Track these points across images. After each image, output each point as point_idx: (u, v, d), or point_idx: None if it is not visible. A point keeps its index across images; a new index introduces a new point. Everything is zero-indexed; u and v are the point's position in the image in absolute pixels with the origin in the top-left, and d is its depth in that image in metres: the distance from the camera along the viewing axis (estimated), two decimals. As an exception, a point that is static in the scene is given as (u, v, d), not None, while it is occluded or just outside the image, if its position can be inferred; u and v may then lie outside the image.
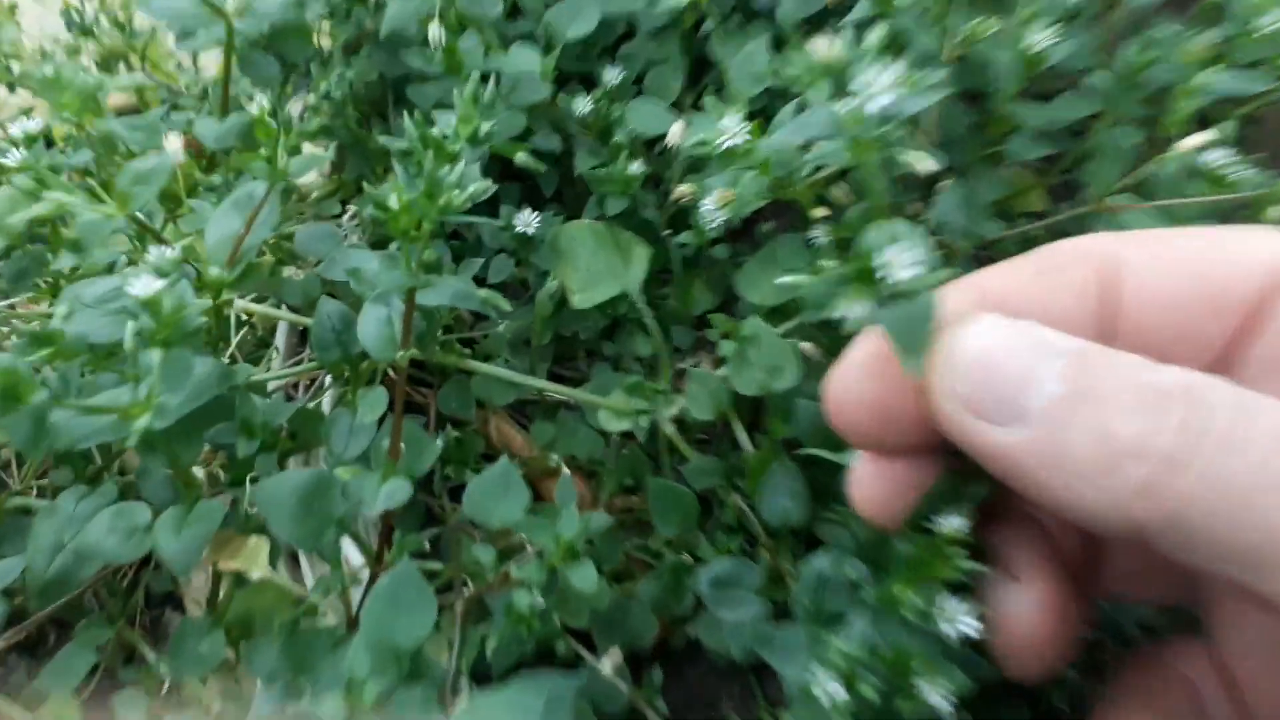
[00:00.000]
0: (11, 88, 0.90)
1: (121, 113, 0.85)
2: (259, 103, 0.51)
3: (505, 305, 0.50)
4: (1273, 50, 0.59)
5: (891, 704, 0.38)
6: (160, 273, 0.42)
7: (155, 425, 0.45)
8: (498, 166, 0.82)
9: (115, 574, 0.73)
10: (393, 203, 0.43)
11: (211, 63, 0.91)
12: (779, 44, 0.80)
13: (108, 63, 0.89)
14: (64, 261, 0.53)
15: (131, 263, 0.62)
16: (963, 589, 0.39)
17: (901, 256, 0.34)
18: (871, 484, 0.42)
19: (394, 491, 0.49)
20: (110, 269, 0.63)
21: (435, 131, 0.48)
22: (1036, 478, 0.33)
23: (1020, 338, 0.35)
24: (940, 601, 0.39)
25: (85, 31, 0.86)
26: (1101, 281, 0.38)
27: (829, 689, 0.38)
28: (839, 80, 0.35)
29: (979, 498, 0.41)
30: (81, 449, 0.68)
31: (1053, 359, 0.34)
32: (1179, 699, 0.41)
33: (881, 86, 0.33)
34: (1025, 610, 0.39)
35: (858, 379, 0.39)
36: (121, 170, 0.49)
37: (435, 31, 0.58)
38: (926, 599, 0.39)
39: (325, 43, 0.74)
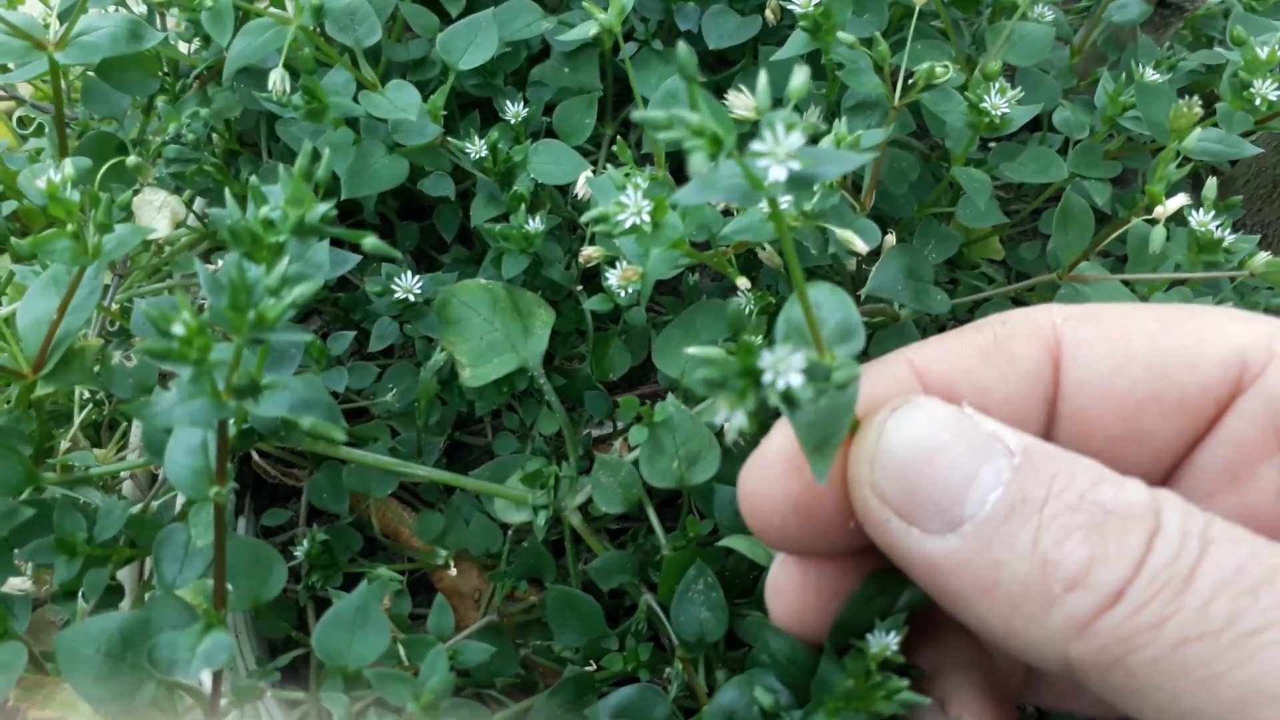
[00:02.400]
0: None
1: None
2: (48, 177, 0.42)
3: (338, 436, 0.42)
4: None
5: None
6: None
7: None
8: (395, 201, 0.73)
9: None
10: (176, 329, 0.34)
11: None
12: (708, 66, 0.72)
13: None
14: None
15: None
16: None
17: (789, 360, 0.26)
18: (791, 592, 0.37)
19: (213, 651, 0.41)
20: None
21: (257, 216, 0.40)
22: (966, 599, 0.30)
23: (961, 429, 0.30)
24: None
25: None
26: (1053, 363, 0.34)
27: None
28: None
29: (914, 607, 0.36)
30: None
31: (997, 458, 0.29)
32: None
33: (789, 149, 0.24)
34: None
35: (775, 473, 0.34)
36: None
37: (276, 78, 0.48)
38: None
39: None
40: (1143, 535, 0.28)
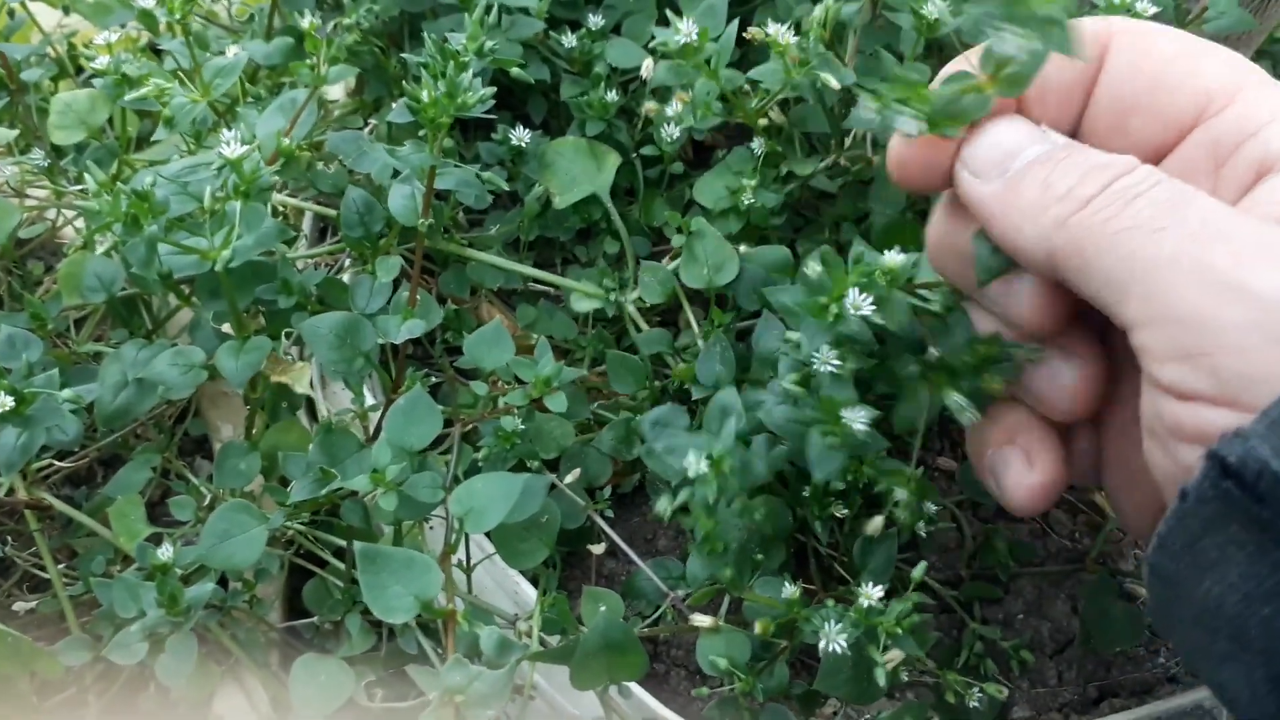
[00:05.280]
0: (66, 10, 1.03)
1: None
2: (309, 20, 0.65)
3: (503, 185, 0.64)
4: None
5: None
6: (244, 141, 0.56)
7: (232, 263, 0.59)
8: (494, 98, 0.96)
9: (158, 421, 0.87)
10: (424, 97, 0.56)
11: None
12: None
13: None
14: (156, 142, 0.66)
15: (189, 153, 0.75)
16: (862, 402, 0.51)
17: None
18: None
19: (413, 327, 0.64)
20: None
21: (448, 47, 0.62)
22: (996, 218, 0.42)
23: (1027, 130, 0.44)
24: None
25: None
26: (1099, 63, 0.45)
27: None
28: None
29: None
30: (130, 311, 0.82)
31: (1044, 143, 0.43)
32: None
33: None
34: (1077, 373, 0.47)
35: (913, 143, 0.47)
36: (204, 66, 0.62)
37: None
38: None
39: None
40: (1113, 173, 0.39)
